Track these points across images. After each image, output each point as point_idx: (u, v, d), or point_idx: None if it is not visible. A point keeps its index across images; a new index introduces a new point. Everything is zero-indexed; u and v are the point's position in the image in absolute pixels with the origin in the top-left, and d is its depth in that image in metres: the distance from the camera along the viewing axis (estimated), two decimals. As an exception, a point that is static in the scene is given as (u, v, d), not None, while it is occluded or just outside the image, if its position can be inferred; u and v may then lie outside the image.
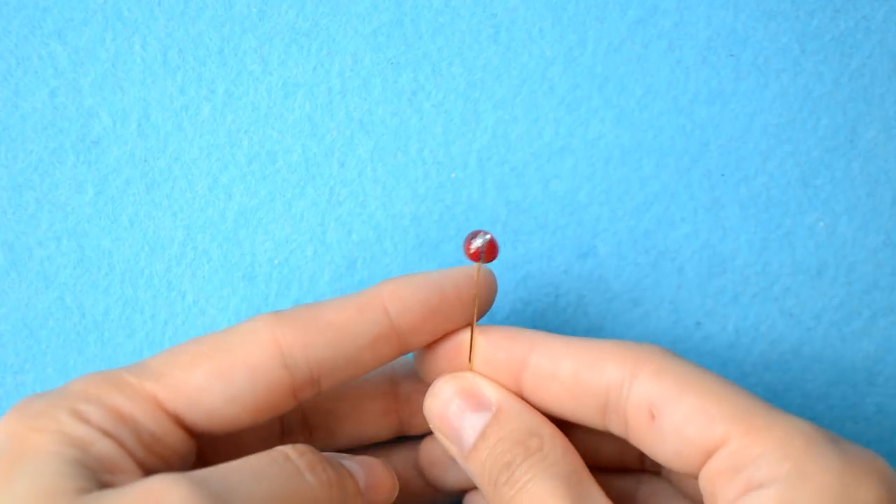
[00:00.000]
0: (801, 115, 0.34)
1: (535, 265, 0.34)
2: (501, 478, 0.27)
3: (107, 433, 0.25)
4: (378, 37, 0.34)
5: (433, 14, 0.34)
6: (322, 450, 0.27)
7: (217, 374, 0.26)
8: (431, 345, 0.30)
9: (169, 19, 0.33)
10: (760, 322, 0.34)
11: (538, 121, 0.34)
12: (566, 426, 0.29)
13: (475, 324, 0.29)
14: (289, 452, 0.26)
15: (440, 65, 0.34)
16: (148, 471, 0.25)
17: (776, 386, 0.34)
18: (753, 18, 0.34)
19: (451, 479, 0.31)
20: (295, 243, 0.34)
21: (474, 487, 0.30)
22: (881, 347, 0.34)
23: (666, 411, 0.26)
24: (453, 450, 0.29)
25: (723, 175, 0.34)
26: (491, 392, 0.29)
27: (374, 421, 0.31)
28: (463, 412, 0.28)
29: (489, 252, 0.29)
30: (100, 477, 0.24)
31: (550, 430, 0.28)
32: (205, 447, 0.28)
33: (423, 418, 0.29)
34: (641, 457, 0.31)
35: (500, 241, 0.34)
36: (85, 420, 0.25)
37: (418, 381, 0.31)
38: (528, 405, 0.29)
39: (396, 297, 0.28)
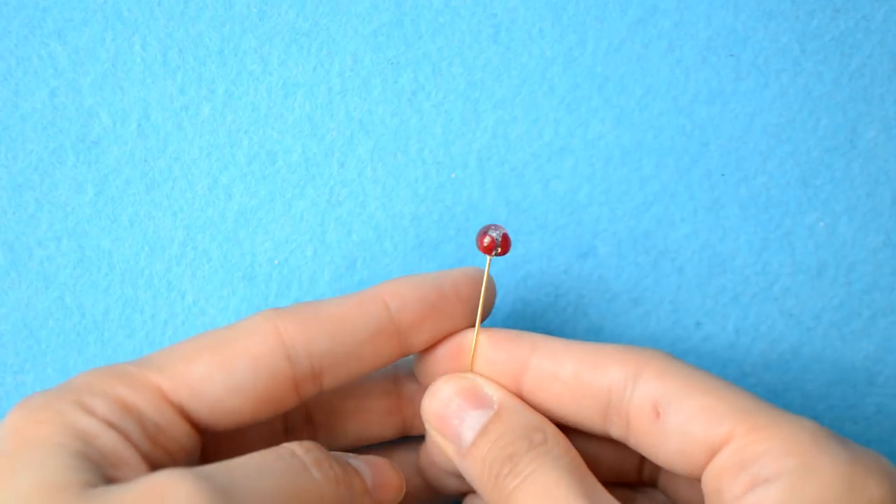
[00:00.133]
0: (801, 115, 0.34)
1: (535, 265, 0.34)
2: (504, 469, 0.27)
3: (112, 425, 0.25)
4: (378, 37, 0.34)
5: (433, 14, 0.34)
6: (327, 449, 0.27)
7: (219, 365, 0.26)
8: (430, 348, 0.30)
9: (169, 19, 0.33)
10: (760, 322, 0.34)
11: (538, 121, 0.34)
12: (564, 433, 0.29)
13: (478, 323, 0.29)
14: (295, 449, 0.26)
15: (440, 65, 0.34)
16: (153, 465, 0.25)
17: (776, 386, 0.34)
18: (753, 18, 0.34)
19: (451, 483, 0.31)
20: (295, 243, 0.34)
21: (474, 491, 0.30)
22: (881, 347, 0.34)
23: (671, 409, 0.26)
24: (450, 448, 0.28)
25: (723, 175, 0.34)
26: (492, 391, 0.29)
27: (377, 420, 0.31)
28: (463, 410, 0.28)
29: (503, 245, 0.29)
30: (104, 471, 0.24)
31: (553, 428, 0.28)
32: (210, 446, 0.28)
33: None
34: (639, 467, 0.31)
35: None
36: (90, 412, 0.25)
37: None
38: (529, 406, 0.29)
39: (396, 293, 0.28)
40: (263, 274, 0.34)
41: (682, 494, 0.30)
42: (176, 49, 0.33)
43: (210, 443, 0.29)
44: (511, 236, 0.32)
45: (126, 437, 0.25)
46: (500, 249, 0.29)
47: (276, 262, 0.34)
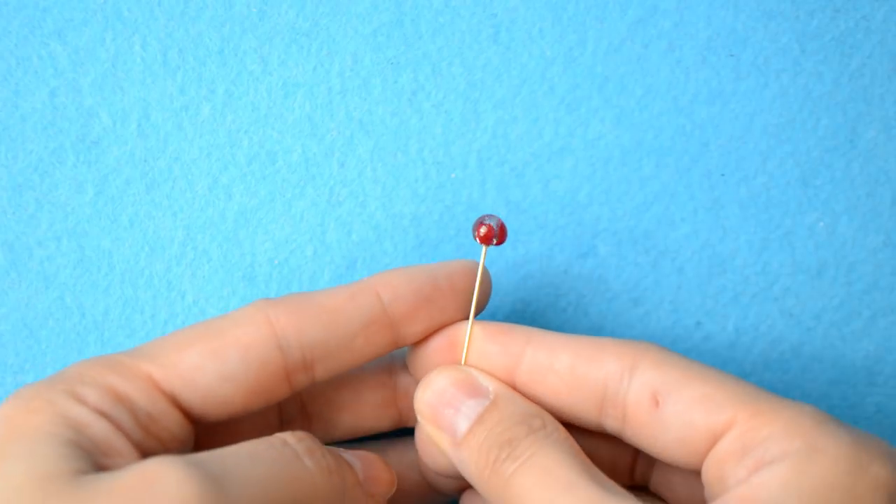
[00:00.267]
0: (801, 115, 0.34)
1: (535, 265, 0.34)
2: (502, 454, 0.26)
3: (103, 414, 0.25)
4: (378, 37, 0.34)
5: (433, 14, 0.34)
6: (321, 441, 0.27)
7: (211, 353, 0.26)
8: (423, 340, 0.29)
9: (169, 19, 0.33)
10: (760, 322, 0.34)
11: (538, 121, 0.34)
12: None
13: (472, 314, 0.29)
14: (287, 438, 0.26)
15: (440, 65, 0.34)
16: (145, 454, 0.25)
17: (776, 386, 0.34)
18: (753, 18, 0.34)
19: (445, 481, 0.31)
20: (295, 243, 0.34)
21: (470, 485, 0.30)
22: (881, 347, 0.34)
23: (670, 398, 0.26)
24: (443, 440, 0.28)
25: (723, 175, 0.34)
26: (487, 382, 0.28)
27: (372, 412, 0.31)
28: (458, 400, 0.28)
29: (500, 234, 0.29)
30: (96, 459, 0.24)
31: (550, 416, 0.28)
32: (204, 438, 0.28)
33: None
34: (632, 466, 0.31)
35: (500, 241, 0.34)
36: (81, 401, 0.25)
37: None
38: (524, 397, 0.28)
39: (389, 284, 0.28)
40: (263, 274, 0.34)
41: (676, 492, 0.30)
42: (176, 49, 0.33)
43: (204, 435, 0.28)
44: (508, 227, 0.32)
45: (118, 425, 0.25)
46: (496, 240, 0.29)
47: (276, 262, 0.34)
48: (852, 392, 0.34)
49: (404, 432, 0.32)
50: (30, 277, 0.34)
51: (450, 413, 0.28)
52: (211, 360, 0.26)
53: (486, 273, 0.30)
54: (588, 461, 0.26)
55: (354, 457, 0.28)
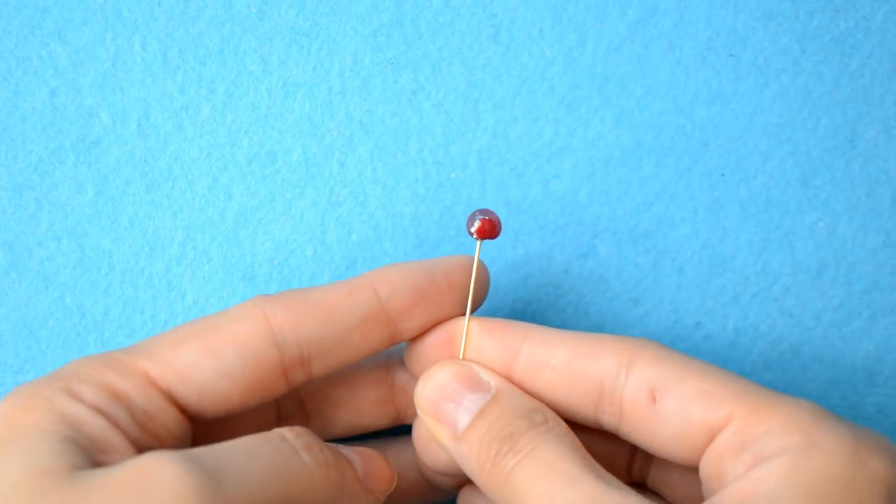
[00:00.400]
0: (801, 115, 0.34)
1: (535, 265, 0.34)
2: (503, 448, 0.26)
3: (100, 411, 0.25)
4: (378, 37, 0.34)
5: (433, 14, 0.34)
6: (319, 438, 0.27)
7: (207, 350, 0.26)
8: (420, 336, 0.29)
9: (169, 19, 0.33)
10: (760, 322, 0.34)
11: (538, 121, 0.34)
12: None
13: (469, 310, 0.29)
14: (285, 433, 0.26)
15: (440, 65, 0.34)
16: (142, 450, 0.25)
17: (776, 386, 0.34)
18: (753, 18, 0.34)
19: (443, 478, 0.31)
20: (295, 243, 0.34)
21: (469, 481, 0.30)
22: (881, 347, 0.34)
23: (667, 394, 0.26)
24: (444, 434, 0.28)
25: (723, 175, 0.34)
26: (489, 376, 0.28)
27: (370, 409, 0.31)
28: (459, 394, 0.28)
29: (493, 228, 0.29)
30: (93, 456, 0.24)
31: (551, 412, 0.28)
32: (202, 436, 0.28)
33: None
34: (629, 463, 0.31)
35: (499, 242, 0.34)
36: (78, 398, 0.25)
37: None
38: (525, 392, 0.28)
39: (386, 280, 0.28)
40: (263, 274, 0.34)
41: (674, 488, 0.30)
42: (176, 49, 0.34)
43: (202, 432, 0.28)
44: (507, 226, 0.32)
45: (114, 422, 0.25)
46: (489, 233, 0.29)
47: (276, 262, 0.34)
48: (852, 392, 0.34)
49: (402, 431, 0.32)
50: (30, 277, 0.34)
51: (451, 407, 0.28)
52: (207, 357, 0.26)
53: (483, 268, 0.30)
54: (589, 456, 0.26)
55: (354, 453, 0.28)
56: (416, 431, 0.30)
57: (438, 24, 0.34)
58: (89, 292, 0.34)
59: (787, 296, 0.34)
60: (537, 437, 0.26)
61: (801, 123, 0.34)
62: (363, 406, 0.31)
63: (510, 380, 0.28)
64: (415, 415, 0.31)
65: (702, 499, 0.27)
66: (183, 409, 0.27)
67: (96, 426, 0.24)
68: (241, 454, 0.24)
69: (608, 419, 0.28)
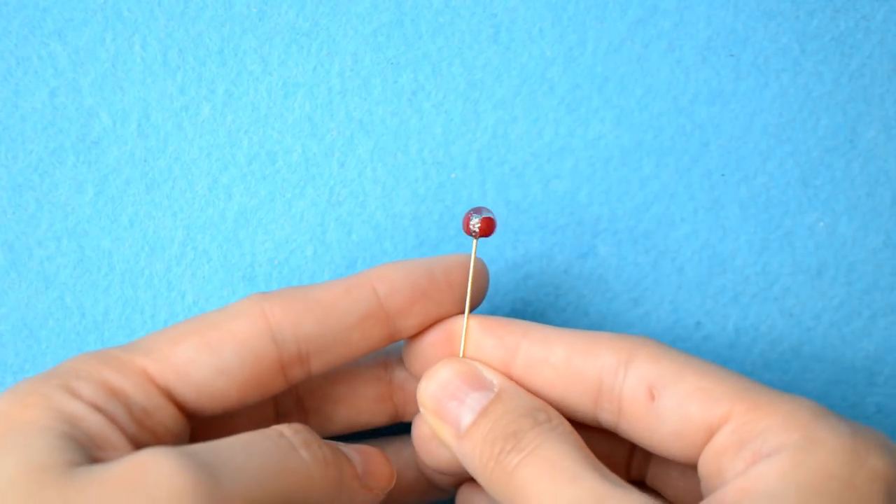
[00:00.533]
0: (801, 115, 0.34)
1: (535, 265, 0.34)
2: (507, 446, 0.26)
3: (98, 408, 0.25)
4: (378, 37, 0.34)
5: (433, 14, 0.34)
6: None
7: (205, 347, 0.26)
8: (419, 334, 0.29)
9: (169, 19, 0.33)
10: (760, 322, 0.34)
11: (538, 121, 0.34)
12: None
13: (468, 308, 0.29)
14: (283, 430, 0.26)
15: (440, 65, 0.34)
16: (140, 447, 0.25)
17: (776, 386, 0.34)
18: (753, 18, 0.34)
19: (443, 477, 0.31)
20: (295, 243, 0.34)
21: (468, 477, 0.30)
22: (881, 347, 0.34)
23: (666, 391, 0.26)
24: (447, 432, 0.28)
25: (723, 175, 0.34)
26: (492, 375, 0.28)
27: (368, 406, 0.31)
28: (463, 392, 0.28)
29: (488, 226, 0.29)
30: (90, 452, 0.24)
31: (554, 410, 0.28)
32: (200, 433, 0.28)
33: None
34: (628, 461, 0.31)
35: (499, 242, 0.34)
36: (76, 395, 0.25)
37: None
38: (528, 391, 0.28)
39: (385, 278, 0.28)
40: (263, 274, 0.34)
41: (673, 486, 0.30)
42: (176, 49, 0.34)
43: (200, 429, 0.28)
44: (508, 226, 0.32)
45: (112, 419, 0.25)
46: (484, 231, 0.29)
47: (276, 262, 0.34)
48: (852, 392, 0.34)
49: (401, 429, 0.32)
50: (30, 277, 0.34)
51: (454, 405, 0.28)
52: (205, 354, 0.26)
53: (483, 267, 0.30)
54: (592, 455, 0.26)
55: (353, 450, 0.28)
56: (415, 430, 0.30)
57: (438, 24, 0.34)
58: (89, 292, 0.34)
59: (787, 296, 0.34)
60: (541, 435, 0.26)
61: (801, 123, 0.34)
62: (361, 403, 0.31)
63: (509, 378, 0.28)
64: (413, 412, 0.31)
65: (701, 496, 0.27)
66: (181, 406, 0.27)
67: (94, 423, 0.24)
68: (239, 450, 0.24)
69: (607, 417, 0.28)
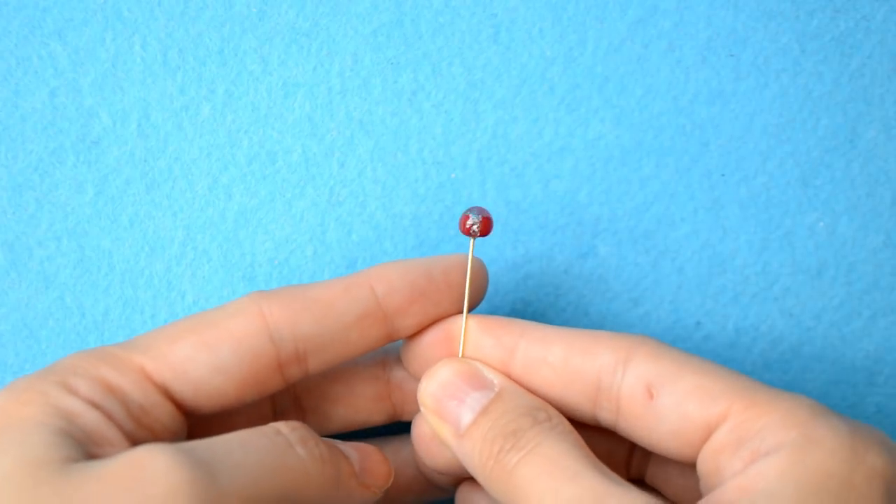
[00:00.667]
0: (801, 115, 0.34)
1: (535, 265, 0.34)
2: (507, 444, 0.26)
3: (95, 405, 0.25)
4: (378, 37, 0.34)
5: (433, 14, 0.34)
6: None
7: (203, 345, 0.27)
8: (417, 333, 0.29)
9: (169, 19, 0.33)
10: (760, 322, 0.34)
11: (538, 121, 0.34)
12: None
13: (466, 307, 0.29)
14: (280, 427, 0.26)
15: (440, 65, 0.34)
16: (137, 444, 0.25)
17: (776, 386, 0.34)
18: (753, 18, 0.34)
19: (442, 476, 0.31)
20: (295, 243, 0.34)
21: (467, 476, 0.30)
22: (881, 347, 0.34)
23: (664, 390, 0.26)
24: (447, 431, 0.28)
25: (723, 175, 0.34)
26: (492, 375, 0.28)
27: (366, 405, 0.31)
28: (463, 392, 0.28)
29: (484, 226, 0.29)
30: (87, 448, 0.24)
31: (554, 410, 0.28)
32: (198, 432, 0.28)
33: (417, 404, 0.29)
34: (628, 460, 0.31)
35: (499, 242, 0.34)
36: (73, 392, 0.25)
37: None
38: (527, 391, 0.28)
39: (384, 278, 0.28)
40: (263, 274, 0.34)
41: (672, 485, 0.30)
42: (176, 49, 0.34)
43: (198, 427, 0.29)
44: (507, 226, 0.32)
45: (109, 416, 0.25)
46: (481, 231, 0.29)
47: (276, 262, 0.34)
48: (852, 392, 0.34)
49: (399, 429, 0.32)
50: (30, 277, 0.34)
51: (454, 405, 0.28)
52: (203, 352, 0.26)
53: (481, 267, 0.30)
54: (592, 454, 0.26)
55: (351, 448, 0.28)
56: (415, 429, 0.30)
57: (438, 24, 0.34)
58: (89, 292, 0.34)
59: (787, 296, 0.34)
60: (540, 434, 0.26)
61: (801, 123, 0.34)
62: (359, 402, 0.31)
63: (508, 377, 0.28)
64: (411, 412, 0.31)
65: (700, 495, 0.27)
66: (178, 404, 0.27)
67: (91, 419, 0.24)
68: (236, 447, 0.24)
69: (605, 416, 0.28)
